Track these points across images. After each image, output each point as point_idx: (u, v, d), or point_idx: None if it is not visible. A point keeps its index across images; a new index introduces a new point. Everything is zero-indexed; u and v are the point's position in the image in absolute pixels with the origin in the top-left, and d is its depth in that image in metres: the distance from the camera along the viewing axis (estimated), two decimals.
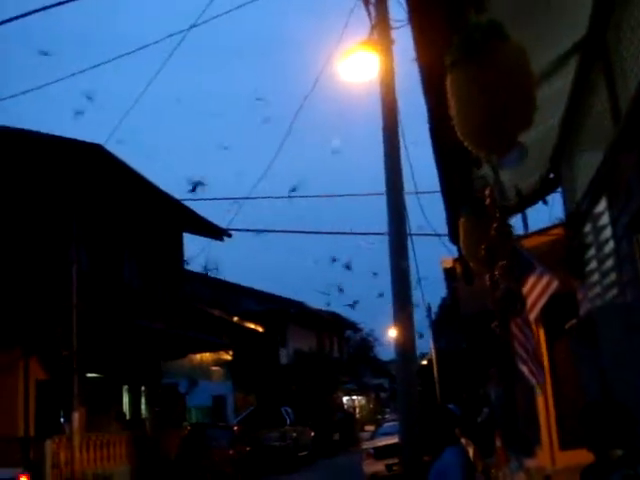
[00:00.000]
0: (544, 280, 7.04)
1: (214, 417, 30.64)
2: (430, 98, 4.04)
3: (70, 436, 17.62)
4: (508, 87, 3.14)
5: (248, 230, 21.95)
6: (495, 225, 5.17)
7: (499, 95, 3.11)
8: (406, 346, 8.47)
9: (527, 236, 9.00)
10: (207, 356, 30.99)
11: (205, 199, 23.72)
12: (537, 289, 6.96)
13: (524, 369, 6.74)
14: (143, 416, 24.23)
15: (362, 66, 9.92)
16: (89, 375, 20.15)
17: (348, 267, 34.12)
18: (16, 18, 9.42)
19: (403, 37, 9.56)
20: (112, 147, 17.84)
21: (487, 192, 4.80)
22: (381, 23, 9.57)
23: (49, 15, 9.64)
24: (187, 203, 22.85)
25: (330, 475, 25.77)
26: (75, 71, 13.37)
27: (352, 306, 38.57)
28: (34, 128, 18.24)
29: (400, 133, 9.22)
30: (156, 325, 21.58)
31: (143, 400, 24.36)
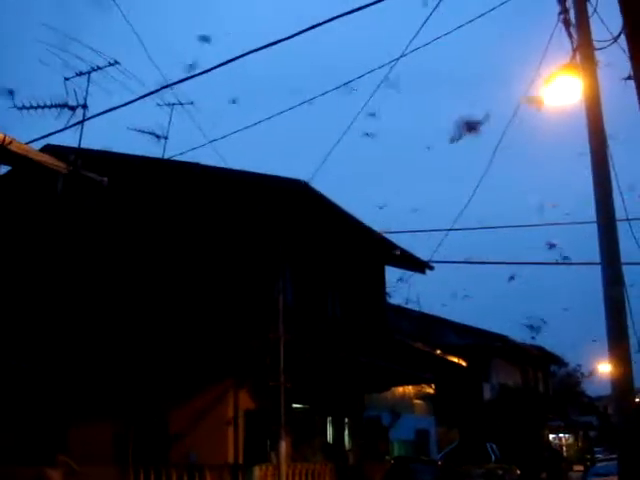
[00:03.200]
0: None
1: (417, 451, 30.39)
2: None
3: (277, 464, 18.04)
4: None
5: (450, 262, 21.68)
6: None
7: None
8: (622, 381, 8.02)
9: None
10: (410, 389, 30.89)
11: (406, 231, 23.71)
12: None
13: None
14: (346, 448, 24.42)
15: (564, 90, 9.68)
16: (295, 405, 20.60)
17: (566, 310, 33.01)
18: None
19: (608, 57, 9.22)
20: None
21: None
22: (584, 45, 9.28)
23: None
24: (389, 235, 22.93)
25: None
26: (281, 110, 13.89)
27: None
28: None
29: (609, 155, 8.88)
30: (360, 357, 21.76)
31: (346, 432, 24.57)
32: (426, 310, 38.59)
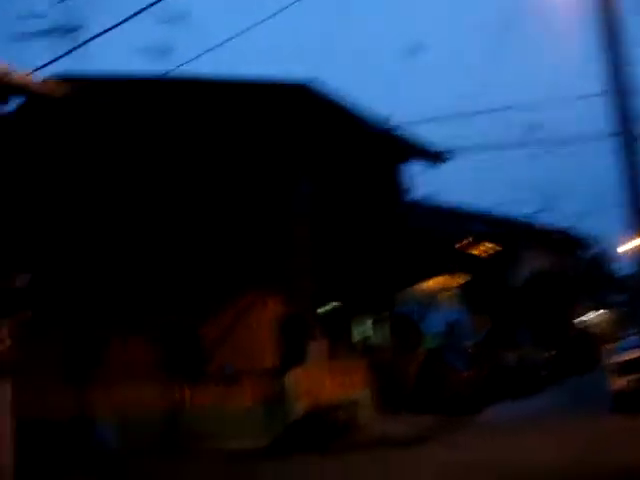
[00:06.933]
0: None
1: (449, 341, 30.74)
2: None
3: (313, 364, 18.38)
4: None
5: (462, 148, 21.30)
6: None
7: None
8: None
9: None
10: (439, 280, 30.99)
11: (419, 122, 23.29)
12: None
13: None
14: (381, 344, 24.79)
15: None
16: (326, 308, 20.82)
17: None
18: None
19: None
20: None
21: None
22: None
23: None
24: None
25: (575, 394, 25.03)
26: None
27: None
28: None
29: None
30: (388, 254, 21.81)
31: (379, 328, 24.90)
32: (449, 203, 38.47)
